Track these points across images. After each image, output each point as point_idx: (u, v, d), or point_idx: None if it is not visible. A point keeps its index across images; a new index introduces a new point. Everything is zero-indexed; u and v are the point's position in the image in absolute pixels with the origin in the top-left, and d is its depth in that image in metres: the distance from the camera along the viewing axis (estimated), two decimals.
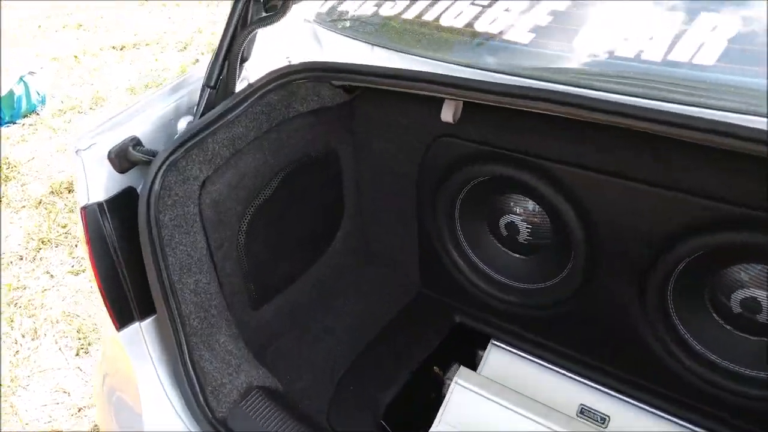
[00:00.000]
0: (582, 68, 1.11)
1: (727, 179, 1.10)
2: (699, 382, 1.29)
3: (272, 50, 1.43)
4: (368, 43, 1.40)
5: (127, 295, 1.18)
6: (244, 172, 1.31)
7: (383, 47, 1.36)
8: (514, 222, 1.48)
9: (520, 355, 1.55)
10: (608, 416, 1.42)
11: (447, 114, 1.32)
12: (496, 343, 1.58)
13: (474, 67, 1.21)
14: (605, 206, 1.25)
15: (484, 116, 1.36)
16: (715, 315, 1.26)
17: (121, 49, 5.02)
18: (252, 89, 1.28)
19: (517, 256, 1.52)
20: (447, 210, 1.51)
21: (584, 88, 1.07)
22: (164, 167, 1.12)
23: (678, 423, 1.34)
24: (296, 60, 1.40)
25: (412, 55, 1.31)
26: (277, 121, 1.36)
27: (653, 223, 1.21)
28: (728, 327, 1.26)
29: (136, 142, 1.16)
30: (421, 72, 1.20)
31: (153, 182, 1.11)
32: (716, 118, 0.92)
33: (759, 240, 1.10)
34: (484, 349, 1.59)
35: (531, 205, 1.44)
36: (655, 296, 1.26)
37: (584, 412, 1.44)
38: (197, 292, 1.22)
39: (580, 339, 1.45)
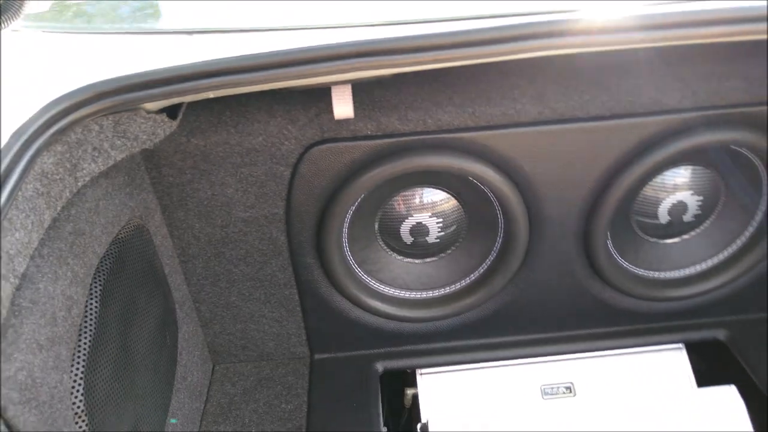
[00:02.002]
0: None
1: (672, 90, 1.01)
2: (651, 304, 1.25)
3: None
4: (172, 32, 0.82)
5: None
6: (46, 312, 0.67)
7: (211, 31, 0.81)
8: (421, 222, 1.14)
9: (459, 370, 1.27)
10: (571, 382, 1.29)
11: (343, 105, 0.89)
12: (424, 372, 1.26)
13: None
14: (539, 163, 1.04)
15: (370, 97, 0.97)
16: (643, 234, 1.21)
17: None
18: (12, 154, 0.62)
19: (431, 260, 1.20)
20: (335, 242, 1.08)
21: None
22: None
23: (636, 352, 1.29)
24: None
25: (261, 31, 0.82)
26: (62, 202, 0.72)
27: (590, 161, 1.05)
28: (661, 241, 1.22)
29: None
30: (307, 48, 0.75)
31: None
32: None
33: (689, 144, 1.04)
34: (412, 384, 1.27)
35: (438, 194, 1.13)
36: (598, 242, 1.13)
37: (548, 391, 1.28)
38: None
39: (521, 321, 1.25)
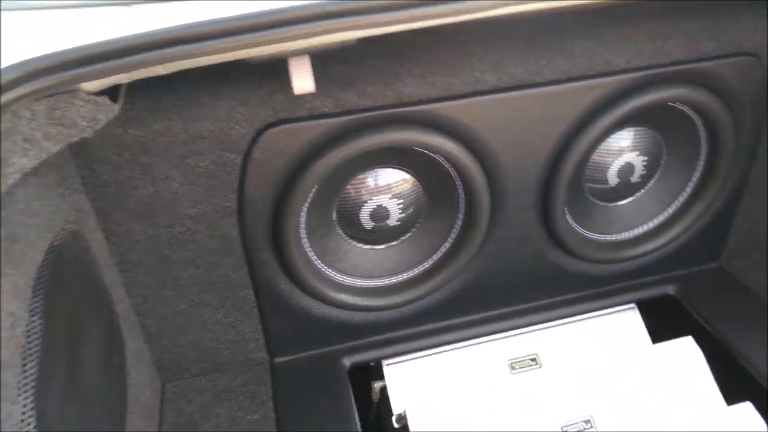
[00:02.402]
0: None
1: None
2: (606, 267, 1.27)
3: None
4: (108, 4, 0.71)
5: None
6: None
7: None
8: (381, 205, 1.08)
9: (425, 356, 1.23)
10: (536, 353, 1.28)
11: (302, 78, 0.81)
12: (390, 363, 1.21)
13: None
14: (499, 132, 1.02)
15: (326, 73, 0.90)
16: (595, 199, 1.23)
17: None
18: None
19: (392, 244, 1.15)
20: (293, 234, 1.00)
21: None
22: None
23: (593, 316, 1.31)
24: None
25: None
26: None
27: (548, 127, 1.04)
28: (611, 204, 1.24)
29: None
30: (262, 13, 0.67)
31: None
32: None
33: (639, 103, 1.06)
34: (379, 377, 1.21)
35: (396, 174, 1.07)
36: (557, 210, 1.13)
37: (514, 366, 1.27)
38: None
39: (485, 297, 1.23)
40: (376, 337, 1.20)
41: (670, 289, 1.31)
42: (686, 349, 1.21)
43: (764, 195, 1.29)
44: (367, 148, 0.95)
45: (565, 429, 1.11)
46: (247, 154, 0.91)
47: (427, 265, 1.16)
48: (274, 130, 0.90)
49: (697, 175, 1.21)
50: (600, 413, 1.13)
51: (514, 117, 1.01)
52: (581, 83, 1.00)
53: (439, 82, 0.94)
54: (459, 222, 1.12)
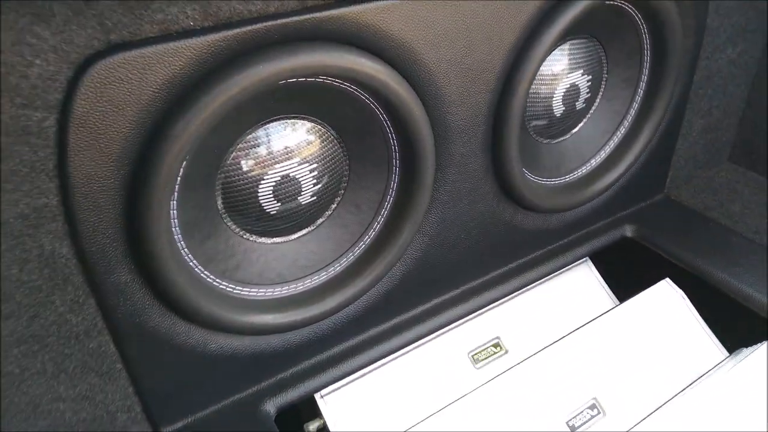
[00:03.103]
0: None
1: None
2: (560, 216, 1.05)
3: None
4: None
5: None
6: None
7: None
8: (288, 176, 0.74)
9: (372, 371, 0.92)
10: (497, 336, 1.03)
11: None
12: (325, 393, 0.88)
13: None
14: (440, 48, 0.73)
15: None
16: (539, 138, 0.99)
17: None
18: None
19: (307, 231, 0.81)
20: (163, 235, 0.63)
21: None
22: None
23: (549, 279, 1.08)
24: None
25: None
26: None
27: (496, 37, 0.78)
28: (554, 141, 1.02)
29: None
30: None
31: None
32: None
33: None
34: (312, 415, 0.88)
35: (301, 127, 0.74)
36: (511, 152, 0.88)
37: (476, 357, 1.00)
38: None
39: (434, 280, 0.94)
40: (304, 364, 0.87)
41: (627, 231, 1.13)
42: (665, 294, 1.03)
43: (701, 111, 1.16)
44: (263, 83, 0.61)
45: (571, 423, 0.87)
46: (65, 109, 0.53)
47: (357, 251, 0.84)
48: (106, 62, 0.53)
49: (640, 92, 1.02)
50: (603, 393, 0.90)
51: (456, 23, 0.73)
52: None
53: None
54: (394, 185, 0.82)
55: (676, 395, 0.87)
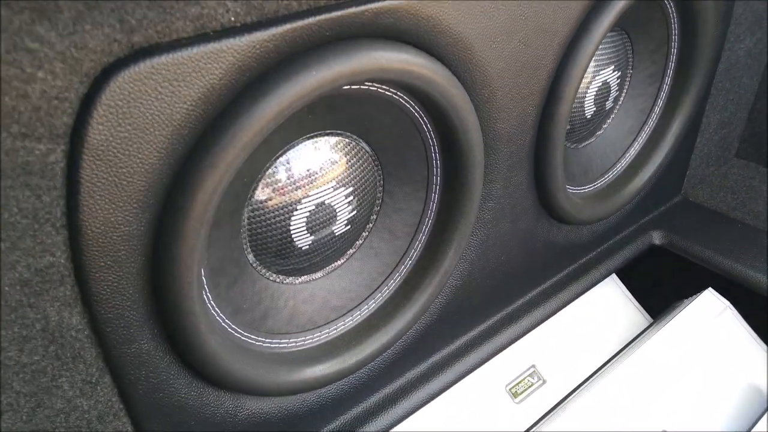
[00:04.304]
0: None
1: None
2: (592, 228, 0.96)
3: None
4: None
5: None
6: None
7: None
8: (323, 203, 0.61)
9: (412, 414, 0.80)
10: (533, 365, 0.94)
11: None
12: None
13: None
14: (495, 45, 0.62)
15: None
16: (567, 142, 0.91)
17: None
18: None
19: (336, 265, 0.68)
20: (194, 292, 0.49)
21: None
22: None
23: (579, 297, 0.99)
24: None
25: None
26: None
27: (549, 33, 0.68)
28: (581, 145, 0.93)
29: None
30: None
31: None
32: None
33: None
34: None
35: (330, 145, 0.61)
36: (555, 161, 0.78)
37: (513, 390, 0.90)
38: None
39: (472, 309, 0.83)
40: (339, 420, 0.74)
41: (655, 238, 1.05)
42: (710, 305, 0.96)
43: (719, 106, 1.10)
44: (317, 94, 0.49)
45: None
46: (75, 139, 0.40)
47: (393, 285, 0.72)
48: (128, 73, 0.39)
49: (666, 87, 0.95)
50: (669, 421, 0.82)
51: (514, 16, 0.63)
52: None
53: None
54: (434, 205, 0.71)
55: (754, 418, 0.79)
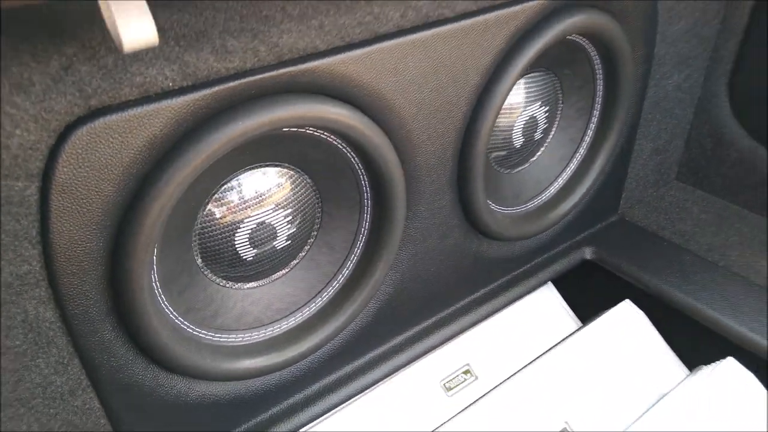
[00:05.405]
0: None
1: None
2: (524, 244, 1.08)
3: None
4: None
5: None
6: None
7: None
8: (264, 222, 0.74)
9: (349, 405, 0.93)
10: (467, 363, 1.06)
11: (136, 21, 0.45)
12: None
13: None
14: (408, 90, 0.75)
15: (160, 25, 0.55)
16: (500, 169, 1.03)
17: None
18: None
19: (281, 274, 0.81)
20: (145, 292, 0.62)
21: None
22: None
23: (513, 301, 1.12)
24: None
25: None
26: None
27: (462, 75, 0.80)
28: (514, 171, 1.05)
29: None
30: None
31: None
32: None
33: (555, 32, 0.87)
34: None
35: (273, 173, 0.74)
36: (476, 186, 0.91)
37: (447, 385, 1.02)
38: None
39: (407, 313, 0.96)
40: (282, 404, 0.87)
41: (587, 253, 1.17)
42: (627, 315, 1.07)
43: (651, 135, 1.21)
44: (241, 138, 0.62)
45: None
46: (46, 177, 0.53)
47: (332, 291, 0.85)
48: (86, 129, 0.53)
49: (594, 120, 1.07)
50: (573, 417, 0.94)
51: (424, 67, 0.75)
52: (496, 13, 0.78)
53: (329, 24, 0.65)
54: (366, 225, 0.84)
55: (643, 414, 0.91)
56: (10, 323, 0.57)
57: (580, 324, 1.14)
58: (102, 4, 0.45)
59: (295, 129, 0.69)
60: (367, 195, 0.81)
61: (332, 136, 0.73)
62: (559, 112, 1.06)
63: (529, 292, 1.12)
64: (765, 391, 0.91)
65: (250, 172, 0.73)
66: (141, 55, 0.54)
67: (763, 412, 0.91)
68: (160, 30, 0.55)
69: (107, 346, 0.64)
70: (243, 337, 0.78)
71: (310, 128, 0.71)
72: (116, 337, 0.65)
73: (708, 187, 1.31)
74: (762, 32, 1.14)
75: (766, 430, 0.89)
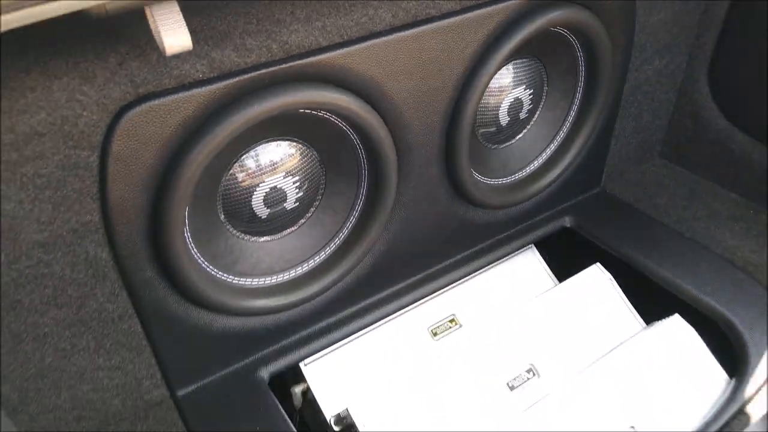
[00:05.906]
0: None
1: None
2: (507, 211, 1.22)
3: None
4: None
5: None
6: None
7: None
8: (276, 187, 0.90)
9: (346, 344, 1.10)
10: (453, 313, 1.21)
11: (175, 31, 0.60)
12: (308, 362, 1.06)
13: None
14: (399, 79, 0.89)
15: (189, 27, 0.70)
16: (487, 144, 1.16)
17: None
18: None
19: (290, 230, 0.97)
20: (179, 241, 0.78)
21: None
22: None
23: (499, 263, 1.26)
24: None
25: None
26: None
27: (446, 66, 0.93)
28: (501, 146, 1.19)
29: None
30: None
31: None
32: None
33: (534, 27, 0.99)
34: (298, 380, 1.06)
35: (285, 146, 0.89)
36: (461, 161, 1.05)
37: (434, 331, 1.18)
38: None
39: (398, 268, 1.11)
40: (292, 338, 1.04)
41: (567, 221, 1.31)
42: (596, 276, 1.21)
43: (632, 115, 1.33)
44: (257, 118, 0.77)
45: (511, 384, 1.06)
46: (104, 148, 0.69)
47: (333, 246, 1.01)
48: (135, 111, 0.68)
49: (577, 102, 1.20)
50: (539, 358, 1.09)
51: (413, 60, 0.89)
52: (477, 12, 0.91)
53: (330, 24, 0.78)
54: (363, 191, 0.99)
55: (600, 358, 1.06)
56: (76, 260, 0.74)
57: (556, 281, 1.28)
58: (149, 18, 0.60)
59: (303, 111, 0.84)
60: (365, 166, 0.96)
61: (334, 117, 0.88)
62: (544, 95, 1.18)
63: (512, 252, 1.26)
64: (703, 344, 1.05)
65: (265, 144, 0.88)
66: (178, 54, 0.69)
67: (699, 362, 1.05)
68: (192, 32, 0.70)
69: (148, 282, 0.81)
70: (258, 281, 0.95)
71: (316, 110, 0.85)
72: (156, 275, 0.81)
73: (687, 164, 1.42)
74: (739, 24, 1.24)
75: (700, 378, 1.03)
